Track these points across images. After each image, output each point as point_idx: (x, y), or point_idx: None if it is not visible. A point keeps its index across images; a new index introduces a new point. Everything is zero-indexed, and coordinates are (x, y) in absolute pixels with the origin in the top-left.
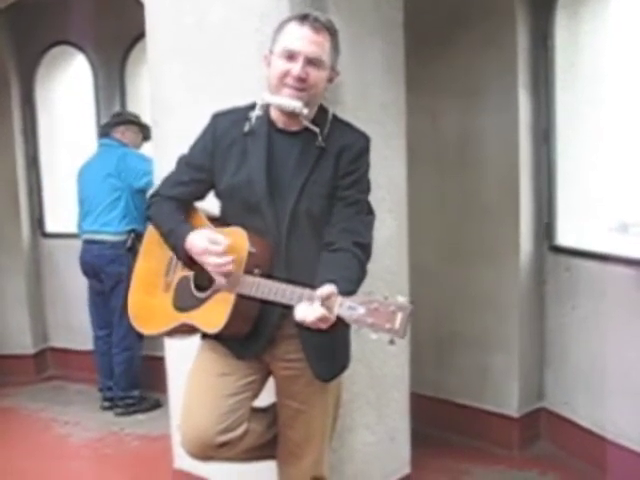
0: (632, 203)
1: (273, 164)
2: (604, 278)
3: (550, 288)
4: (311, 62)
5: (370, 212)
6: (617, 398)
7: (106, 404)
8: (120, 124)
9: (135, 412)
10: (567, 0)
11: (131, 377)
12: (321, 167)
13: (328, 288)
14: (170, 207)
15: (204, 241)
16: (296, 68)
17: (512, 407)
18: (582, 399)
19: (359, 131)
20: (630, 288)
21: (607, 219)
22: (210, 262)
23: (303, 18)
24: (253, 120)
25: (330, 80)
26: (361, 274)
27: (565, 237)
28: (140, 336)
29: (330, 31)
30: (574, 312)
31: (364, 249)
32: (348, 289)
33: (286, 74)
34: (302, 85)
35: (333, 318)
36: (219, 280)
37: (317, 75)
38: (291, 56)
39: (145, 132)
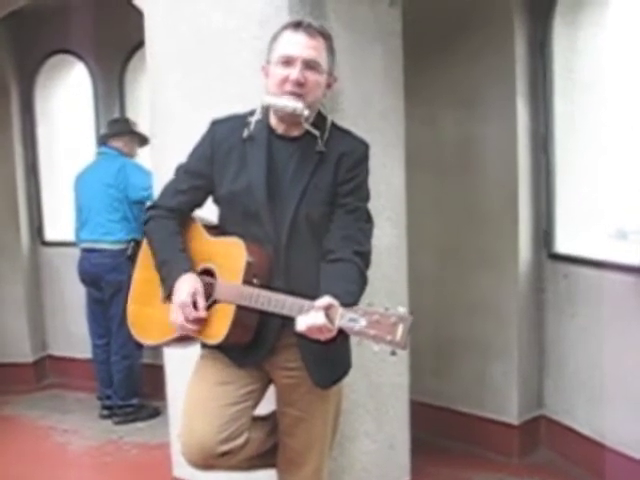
0: (631, 210)
1: (273, 170)
2: (603, 285)
3: (549, 295)
4: (308, 66)
5: (369, 220)
6: (616, 405)
7: (105, 412)
8: (119, 134)
9: (134, 420)
10: (564, 7)
11: (130, 385)
12: (321, 173)
13: (327, 299)
14: (168, 228)
15: (187, 297)
16: (294, 73)
17: (512, 414)
18: (582, 406)
19: (358, 138)
20: (629, 295)
21: (606, 226)
22: (177, 318)
23: (297, 25)
24: (252, 125)
25: (329, 86)
26: (363, 284)
27: (564, 244)
28: (139, 344)
29: (324, 35)
30: (573, 319)
31: (364, 258)
32: (351, 302)
33: (285, 80)
34: (301, 90)
35: (334, 330)
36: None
37: (315, 79)
38: (288, 61)
39: (140, 137)
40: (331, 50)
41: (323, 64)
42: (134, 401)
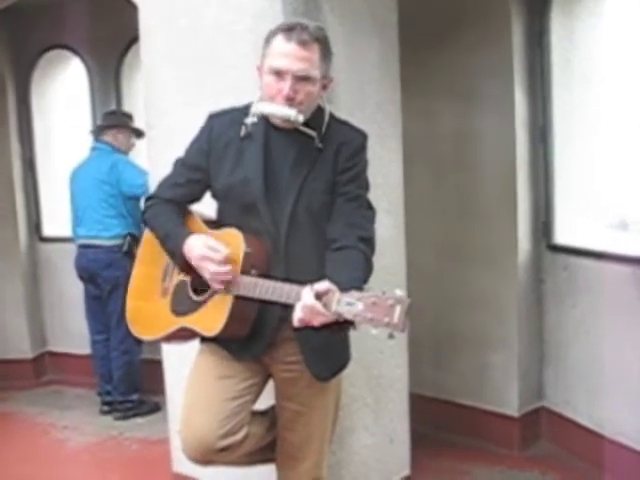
0: (631, 200)
1: (270, 163)
2: (602, 276)
3: (548, 287)
4: (299, 78)
5: (370, 207)
6: (616, 396)
7: (105, 408)
8: (112, 127)
9: (134, 416)
10: None
11: (130, 381)
12: (320, 164)
13: (325, 284)
14: (166, 210)
15: (203, 247)
16: (285, 88)
17: (512, 407)
18: (582, 398)
19: (356, 128)
20: (628, 286)
21: (605, 217)
22: (209, 269)
23: (290, 30)
24: (249, 127)
25: (324, 87)
26: (368, 270)
27: (563, 236)
28: (138, 340)
29: (319, 40)
30: (573, 310)
31: (368, 243)
32: (357, 287)
33: (276, 93)
34: (292, 103)
35: (330, 315)
36: (216, 287)
37: (307, 90)
38: (279, 74)
39: (136, 131)
40: (326, 53)
41: (316, 73)
42: (134, 396)
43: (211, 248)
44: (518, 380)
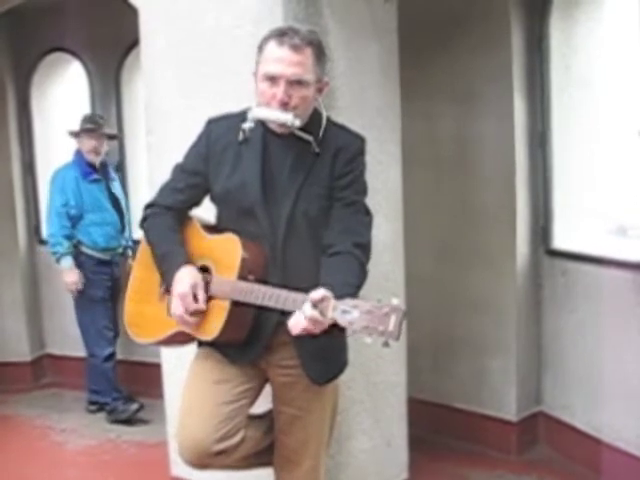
0: (630, 206)
1: (268, 168)
2: (601, 281)
3: (547, 292)
4: (293, 83)
5: (368, 213)
6: (615, 401)
7: (92, 408)
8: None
9: (117, 416)
10: (561, 3)
11: (99, 384)
12: (317, 169)
13: (321, 292)
14: (165, 223)
15: (187, 288)
16: (279, 93)
17: (510, 411)
18: (580, 403)
19: (354, 133)
20: (627, 291)
21: (604, 222)
22: (175, 310)
23: (282, 35)
24: (247, 132)
25: (320, 91)
26: (362, 276)
27: (561, 241)
28: (107, 346)
29: (312, 44)
30: (571, 316)
31: (364, 249)
32: (350, 293)
33: (271, 98)
34: (287, 108)
35: (326, 322)
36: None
37: (301, 94)
38: (272, 79)
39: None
40: (320, 57)
41: (309, 77)
42: (109, 398)
43: (193, 293)
44: (516, 385)
